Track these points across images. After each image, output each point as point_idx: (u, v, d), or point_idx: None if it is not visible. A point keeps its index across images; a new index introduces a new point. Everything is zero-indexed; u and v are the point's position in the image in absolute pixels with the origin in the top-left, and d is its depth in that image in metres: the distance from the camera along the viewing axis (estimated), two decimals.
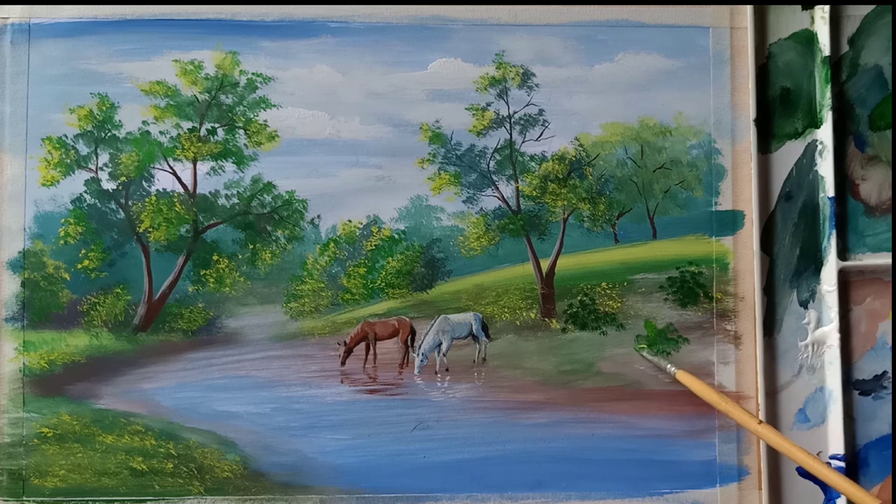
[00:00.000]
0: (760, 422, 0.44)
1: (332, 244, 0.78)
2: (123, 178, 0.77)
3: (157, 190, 0.77)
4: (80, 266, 0.76)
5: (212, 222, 0.77)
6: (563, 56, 0.78)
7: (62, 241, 0.76)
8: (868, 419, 0.77)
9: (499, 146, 0.79)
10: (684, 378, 0.48)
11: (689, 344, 0.78)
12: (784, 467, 0.76)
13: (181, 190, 0.77)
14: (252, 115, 0.77)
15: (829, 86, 0.77)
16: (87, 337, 0.76)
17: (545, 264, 0.78)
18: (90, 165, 0.77)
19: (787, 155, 0.78)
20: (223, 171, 0.77)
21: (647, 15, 0.78)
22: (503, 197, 0.79)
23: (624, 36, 0.78)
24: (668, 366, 0.50)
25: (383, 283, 0.78)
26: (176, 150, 0.77)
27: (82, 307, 0.76)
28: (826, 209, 0.77)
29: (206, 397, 0.76)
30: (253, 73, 0.77)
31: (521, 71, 0.78)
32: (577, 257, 0.78)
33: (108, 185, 0.77)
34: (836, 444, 0.75)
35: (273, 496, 0.75)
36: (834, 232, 0.77)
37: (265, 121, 0.77)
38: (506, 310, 0.78)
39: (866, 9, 0.79)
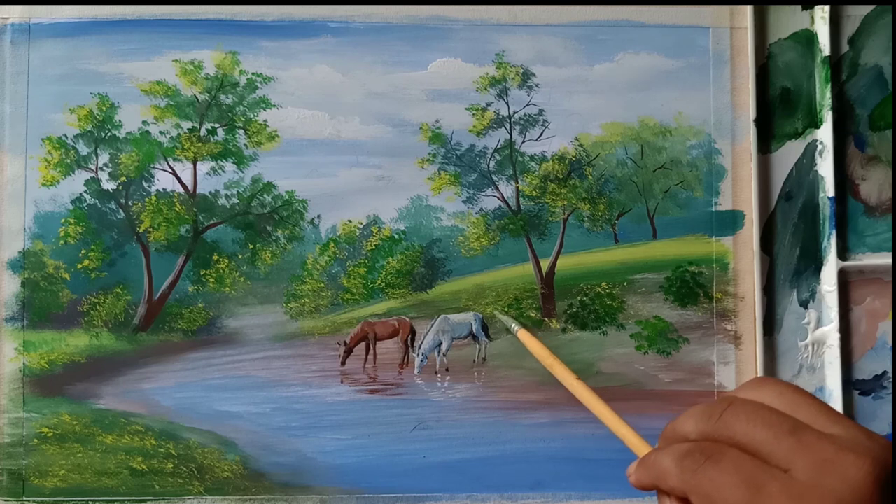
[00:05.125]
0: (578, 378, 0.46)
1: (332, 244, 0.78)
2: (123, 178, 0.77)
3: (157, 190, 0.77)
4: (80, 266, 0.76)
5: (212, 222, 0.77)
6: (563, 56, 0.78)
7: (62, 241, 0.76)
8: (868, 419, 0.77)
9: (499, 146, 0.79)
10: (524, 337, 0.50)
11: (689, 344, 0.78)
12: None
13: (181, 190, 0.77)
14: (252, 115, 0.77)
15: (829, 86, 0.77)
16: (87, 337, 0.76)
17: (545, 264, 0.78)
18: (90, 165, 0.77)
19: (787, 155, 0.78)
20: (223, 171, 0.77)
21: (647, 15, 0.78)
22: (503, 197, 0.79)
23: (624, 36, 0.78)
24: (513, 325, 0.52)
25: (383, 283, 0.78)
26: (176, 150, 0.77)
27: (82, 307, 0.76)
28: (826, 209, 0.77)
29: (206, 397, 0.76)
30: (253, 73, 0.77)
31: (521, 71, 0.78)
32: (577, 257, 0.78)
33: (108, 185, 0.77)
34: None
35: (273, 496, 0.75)
36: (834, 232, 0.77)
37: (265, 121, 0.77)
38: (506, 310, 0.78)
39: (866, 9, 0.79)
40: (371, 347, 0.78)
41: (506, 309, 0.78)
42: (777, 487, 0.31)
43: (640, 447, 0.40)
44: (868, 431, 0.32)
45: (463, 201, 0.78)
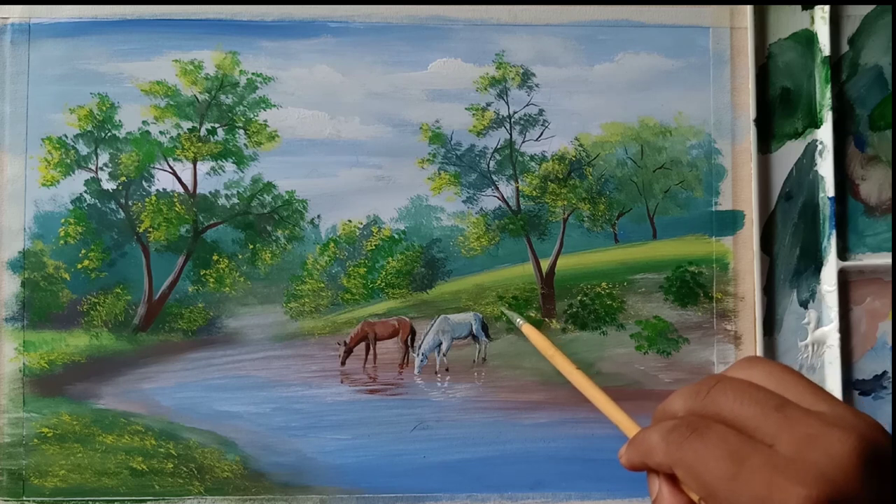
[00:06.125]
0: (577, 368, 0.47)
1: (332, 244, 0.78)
2: (123, 178, 0.77)
3: (157, 190, 0.77)
4: (80, 266, 0.76)
5: (212, 222, 0.77)
6: (563, 56, 0.78)
7: (62, 241, 0.76)
8: None
9: (499, 146, 0.79)
10: (528, 330, 0.51)
11: (689, 344, 0.78)
12: None
13: (181, 190, 0.77)
14: (252, 115, 0.77)
15: (829, 86, 0.77)
16: (87, 337, 0.76)
17: (545, 264, 0.78)
18: (90, 165, 0.77)
19: (787, 155, 0.78)
20: (223, 171, 0.77)
21: (647, 15, 0.78)
22: (503, 197, 0.79)
23: (624, 36, 0.78)
24: (518, 319, 0.53)
25: (383, 283, 0.78)
26: (176, 150, 0.77)
27: (82, 307, 0.76)
28: (826, 209, 0.77)
29: (206, 397, 0.76)
30: (253, 73, 0.77)
31: (521, 71, 0.78)
32: (577, 257, 0.78)
33: (108, 185, 0.77)
34: None
35: (273, 496, 0.75)
36: (834, 232, 0.77)
37: (265, 121, 0.77)
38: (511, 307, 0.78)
39: (866, 9, 0.79)
40: (371, 347, 0.78)
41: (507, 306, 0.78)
42: (760, 460, 0.31)
43: (634, 430, 0.40)
44: (854, 410, 0.33)
45: (463, 201, 0.78)
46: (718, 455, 0.31)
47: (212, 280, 0.77)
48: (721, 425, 0.33)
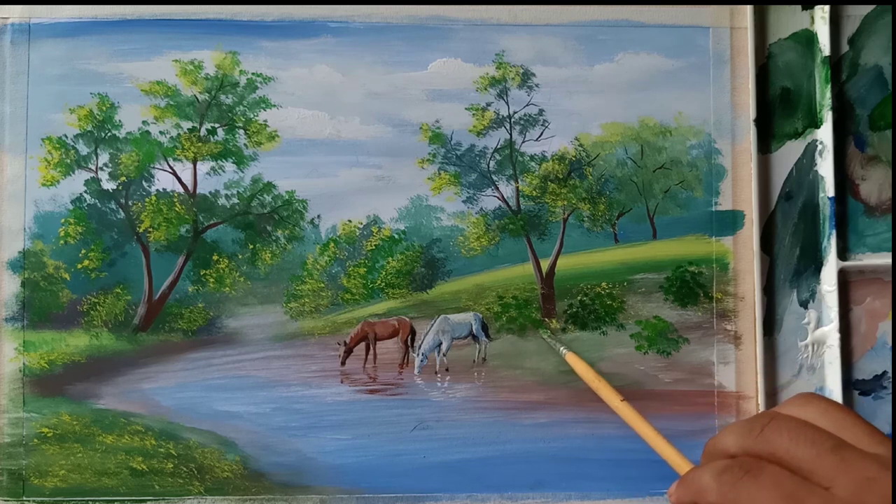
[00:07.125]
0: (623, 399, 0.46)
1: (332, 244, 0.78)
2: (123, 178, 0.77)
3: (157, 190, 0.77)
4: (80, 266, 0.76)
5: (212, 222, 0.77)
6: (563, 56, 0.78)
7: (62, 241, 0.76)
8: (868, 419, 0.76)
9: (499, 146, 0.79)
10: (572, 360, 0.51)
11: (689, 344, 0.78)
12: None
13: (181, 190, 0.77)
14: (252, 115, 0.77)
15: (829, 86, 0.77)
16: (87, 337, 0.76)
17: (545, 264, 0.78)
18: (90, 165, 0.77)
19: (787, 155, 0.78)
20: (223, 171, 0.77)
21: (647, 15, 0.78)
22: (503, 197, 0.79)
23: (624, 36, 0.78)
24: (561, 348, 0.52)
25: (383, 283, 0.78)
26: (176, 150, 0.77)
27: (82, 307, 0.76)
28: (826, 209, 0.77)
29: (206, 397, 0.76)
30: (253, 73, 0.77)
31: (521, 71, 0.78)
32: (577, 257, 0.78)
33: (108, 185, 0.77)
34: None
35: (273, 496, 0.75)
36: (834, 232, 0.77)
37: (265, 121, 0.77)
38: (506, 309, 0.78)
39: (866, 9, 0.79)
40: (371, 347, 0.78)
41: (506, 308, 0.78)
42: (817, 503, 0.30)
43: (684, 466, 0.40)
44: None
45: (463, 201, 0.78)
46: (773, 498, 0.31)
47: (212, 280, 0.77)
48: (775, 466, 0.32)
